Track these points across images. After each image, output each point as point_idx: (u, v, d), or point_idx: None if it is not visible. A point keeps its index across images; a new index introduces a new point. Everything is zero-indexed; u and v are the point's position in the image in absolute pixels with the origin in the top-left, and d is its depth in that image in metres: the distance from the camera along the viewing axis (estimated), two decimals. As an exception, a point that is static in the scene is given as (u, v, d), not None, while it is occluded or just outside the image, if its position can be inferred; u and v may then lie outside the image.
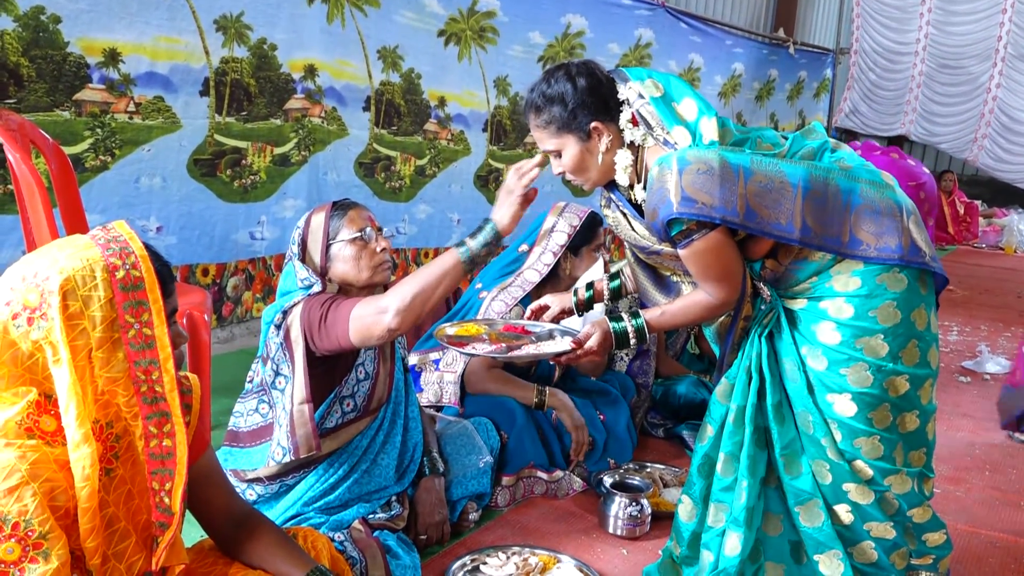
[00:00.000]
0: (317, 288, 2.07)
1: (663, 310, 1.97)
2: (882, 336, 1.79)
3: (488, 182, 5.39)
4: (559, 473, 2.66)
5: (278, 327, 2.07)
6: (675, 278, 2.03)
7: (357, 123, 4.46)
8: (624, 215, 1.96)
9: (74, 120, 3.20)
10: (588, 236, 2.87)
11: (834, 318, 1.82)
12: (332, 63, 4.24)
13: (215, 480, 1.70)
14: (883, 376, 1.80)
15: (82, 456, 1.32)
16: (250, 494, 2.09)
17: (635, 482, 2.59)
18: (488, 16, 5.16)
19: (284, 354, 2.05)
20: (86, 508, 1.33)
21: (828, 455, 1.85)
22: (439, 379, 2.80)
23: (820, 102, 10.27)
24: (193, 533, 1.70)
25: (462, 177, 5.20)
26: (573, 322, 2.74)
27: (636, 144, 1.85)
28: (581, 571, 2.17)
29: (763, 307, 1.92)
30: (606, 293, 2.25)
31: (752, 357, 1.91)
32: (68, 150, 3.02)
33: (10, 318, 1.33)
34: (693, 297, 1.91)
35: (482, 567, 2.16)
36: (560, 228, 2.86)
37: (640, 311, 1.98)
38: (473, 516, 2.39)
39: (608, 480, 2.57)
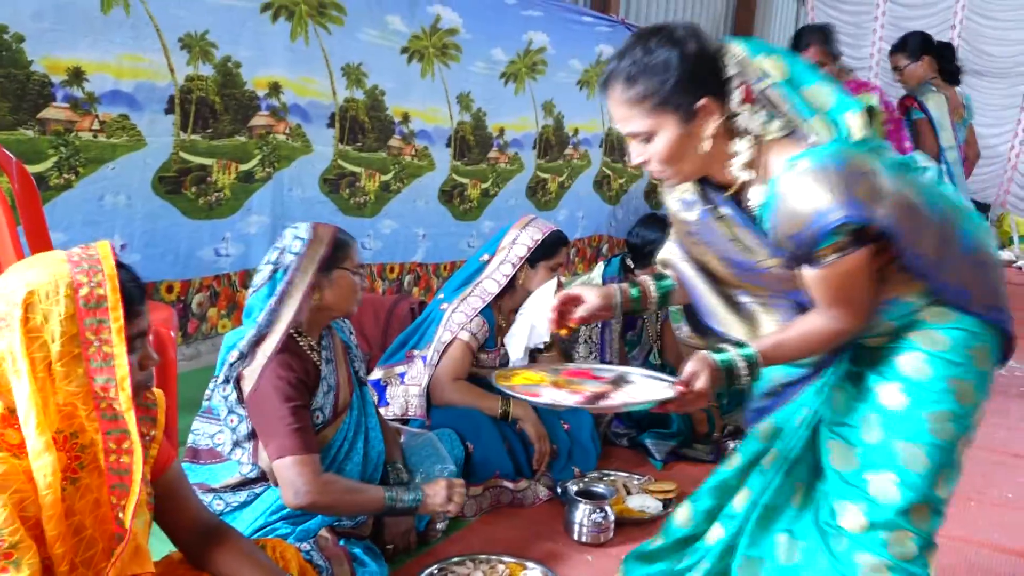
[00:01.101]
0: (264, 319, 2.11)
1: (777, 340, 1.60)
2: (974, 382, 1.57)
3: (452, 197, 5.44)
4: (525, 483, 2.72)
5: (232, 364, 2.11)
6: (748, 300, 1.72)
7: (321, 139, 4.49)
8: (721, 219, 1.61)
9: (38, 139, 3.20)
10: (549, 252, 2.93)
11: (926, 349, 1.57)
12: (296, 80, 4.27)
13: (182, 493, 1.72)
14: (962, 431, 1.57)
15: (43, 465, 1.36)
16: (218, 504, 2.11)
17: (599, 489, 2.65)
18: (450, 33, 5.22)
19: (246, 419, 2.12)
20: (50, 515, 1.37)
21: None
22: (404, 392, 2.84)
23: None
24: (163, 547, 1.72)
25: (427, 192, 5.25)
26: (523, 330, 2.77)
27: (753, 133, 1.51)
28: (546, 577, 2.22)
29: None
30: (653, 294, 1.85)
31: (811, 409, 1.70)
32: (32, 168, 3.02)
33: None
34: (814, 325, 1.56)
35: (450, 575, 2.20)
36: (521, 240, 2.92)
37: (747, 342, 1.60)
38: (440, 526, 2.43)
39: (573, 488, 2.62)
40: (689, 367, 1.56)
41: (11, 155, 2.63)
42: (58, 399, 1.39)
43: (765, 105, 1.52)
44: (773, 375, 1.75)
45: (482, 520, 2.60)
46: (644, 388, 1.69)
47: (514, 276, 2.90)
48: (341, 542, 2.06)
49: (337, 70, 4.52)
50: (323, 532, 2.06)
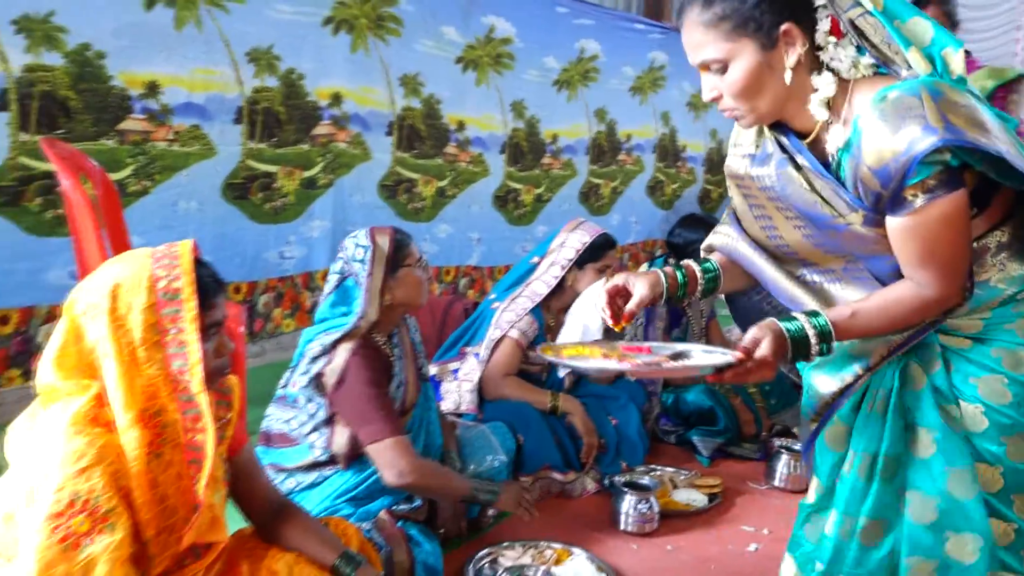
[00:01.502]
0: (352, 321, 2.25)
1: (854, 309, 1.43)
2: None
3: (506, 202, 5.57)
4: (573, 474, 2.82)
5: (315, 359, 2.26)
6: (812, 274, 1.56)
7: (380, 147, 4.66)
8: (798, 169, 1.46)
9: (118, 148, 3.42)
10: (596, 254, 3.03)
11: (1008, 372, 1.40)
12: (356, 90, 4.45)
13: (254, 473, 1.87)
14: None
15: (130, 440, 1.51)
16: (290, 482, 2.26)
17: (645, 482, 2.74)
18: (504, 43, 5.36)
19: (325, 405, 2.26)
20: (138, 485, 1.52)
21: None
22: (458, 387, 2.96)
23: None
24: (238, 520, 1.87)
25: (481, 197, 5.39)
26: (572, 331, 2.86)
27: (838, 70, 1.39)
28: (593, 563, 2.31)
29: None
30: (700, 279, 1.72)
31: (880, 392, 1.51)
32: (112, 176, 3.23)
33: (80, 315, 1.54)
34: (901, 292, 1.40)
35: (500, 559, 2.31)
36: (570, 243, 3.03)
37: (820, 310, 1.45)
38: (492, 513, 2.55)
39: (619, 480, 2.72)
40: (752, 332, 1.43)
41: (95, 163, 2.83)
42: (142, 381, 1.53)
43: (854, 39, 1.39)
44: (817, 391, 1.59)
45: (531, 509, 2.70)
46: (702, 359, 1.55)
47: (563, 277, 3.00)
48: (399, 524, 2.19)
49: (395, 80, 4.69)
50: (382, 514, 2.19)
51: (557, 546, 2.39)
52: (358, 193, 4.57)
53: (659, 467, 3.05)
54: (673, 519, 2.66)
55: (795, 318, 1.43)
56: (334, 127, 4.37)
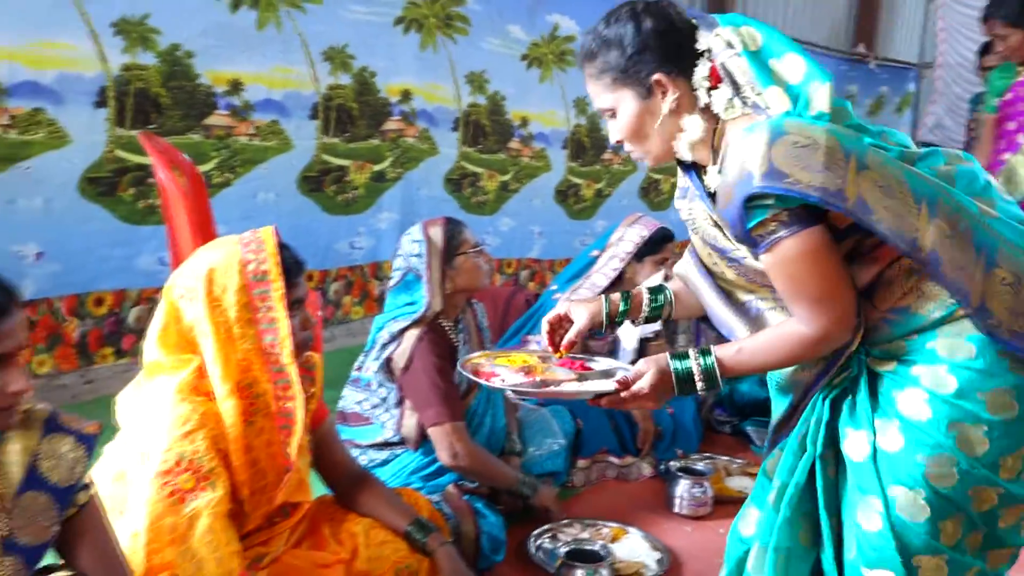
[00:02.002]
0: (419, 312, 2.41)
1: (740, 346, 1.48)
2: (985, 429, 1.34)
3: (567, 196, 5.69)
4: (630, 459, 2.93)
5: (384, 345, 2.42)
6: (757, 301, 1.57)
7: (446, 142, 4.82)
8: (703, 206, 1.53)
9: (203, 142, 3.64)
10: (654, 248, 3.12)
11: (928, 388, 1.37)
12: (424, 87, 4.62)
13: (334, 445, 2.03)
14: (971, 481, 1.36)
15: (227, 408, 1.67)
16: (363, 458, 2.42)
17: (700, 467, 2.83)
18: (568, 40, 5.47)
19: (395, 389, 2.41)
20: (234, 449, 1.68)
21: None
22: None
23: (903, 117, 10.24)
24: (319, 489, 2.03)
25: (543, 192, 5.52)
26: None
27: (713, 111, 1.44)
28: (647, 541, 2.43)
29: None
30: (645, 308, 1.76)
31: (811, 424, 1.51)
32: (198, 168, 3.44)
33: (178, 298, 1.71)
34: (783, 328, 1.43)
35: (559, 535, 2.44)
36: (629, 237, 3.13)
37: (713, 348, 1.49)
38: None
39: (674, 465, 2.82)
40: (639, 364, 1.52)
41: (186, 156, 3.04)
42: (237, 356, 1.70)
43: (727, 78, 1.43)
44: (777, 408, 1.61)
45: (589, 491, 2.82)
46: (597, 384, 1.59)
47: (622, 270, 3.10)
48: (464, 497, 2.33)
49: (461, 77, 4.84)
50: (450, 487, 2.34)
51: (613, 525, 2.50)
52: (425, 187, 4.74)
53: (713, 455, 3.13)
54: (726, 504, 2.74)
55: (687, 355, 1.49)
56: (403, 123, 4.54)
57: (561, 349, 1.70)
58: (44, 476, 1.38)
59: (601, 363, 1.76)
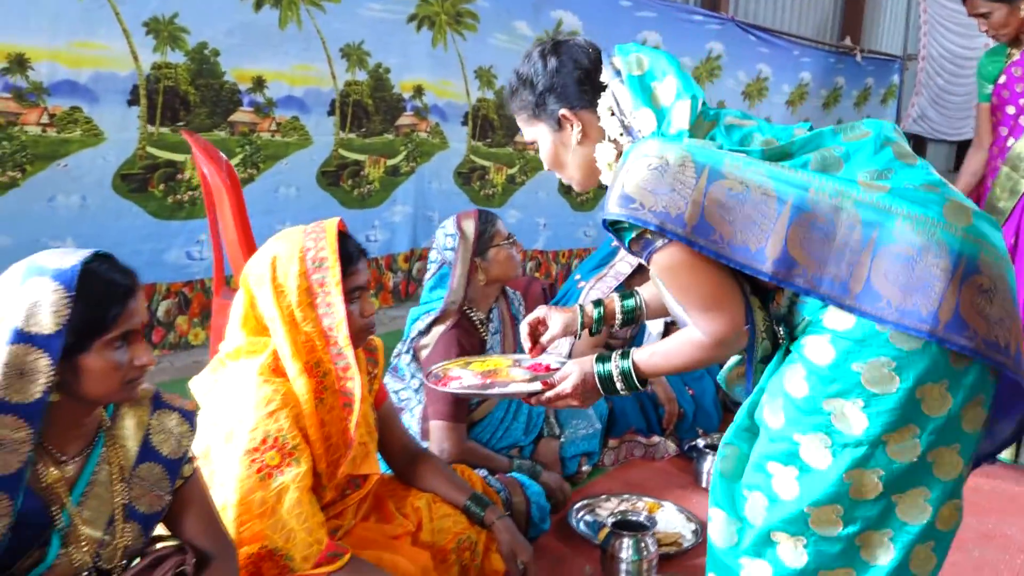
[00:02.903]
0: (443, 305, 2.51)
1: (653, 351, 1.56)
2: (862, 404, 1.30)
3: (571, 189, 5.79)
4: (656, 438, 3.06)
5: (415, 336, 2.54)
6: None
7: (457, 137, 4.93)
8: None
9: (229, 138, 3.73)
10: (677, 235, 3.24)
11: (808, 360, 1.36)
12: (436, 83, 4.72)
13: (394, 423, 2.13)
14: (846, 463, 1.32)
15: (300, 387, 1.77)
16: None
17: (724, 446, 2.97)
18: (571, 36, 5.57)
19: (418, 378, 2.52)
20: (310, 425, 1.78)
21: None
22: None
23: (887, 108, 10.44)
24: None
25: (548, 185, 5.64)
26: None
27: (612, 137, 1.52)
28: (682, 513, 2.55)
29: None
30: (618, 315, 1.86)
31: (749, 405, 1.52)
32: (226, 164, 3.53)
33: (252, 286, 1.80)
34: (686, 334, 1.49)
35: (597, 509, 2.56)
36: (654, 224, 3.24)
37: (632, 351, 1.58)
38: (585, 469, 2.80)
39: (701, 442, 2.95)
40: (564, 368, 1.64)
41: (222, 153, 3.13)
42: (301, 337, 1.79)
43: (615, 104, 1.50)
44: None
45: (619, 468, 2.95)
46: (527, 384, 1.76)
47: (645, 258, 3.22)
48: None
49: (470, 73, 4.94)
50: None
51: (648, 499, 2.63)
52: (436, 180, 4.84)
53: (733, 435, 3.27)
54: (750, 480, 2.87)
55: (610, 359, 1.59)
56: (416, 118, 4.64)
57: (537, 350, 1.88)
58: (156, 449, 1.48)
59: (567, 366, 1.75)
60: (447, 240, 2.57)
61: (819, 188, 1.32)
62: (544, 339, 1.87)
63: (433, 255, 2.61)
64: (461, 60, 4.86)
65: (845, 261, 1.30)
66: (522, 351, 2.72)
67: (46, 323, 1.25)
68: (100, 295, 1.31)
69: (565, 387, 1.62)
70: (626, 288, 3.24)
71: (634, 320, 1.87)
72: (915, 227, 1.28)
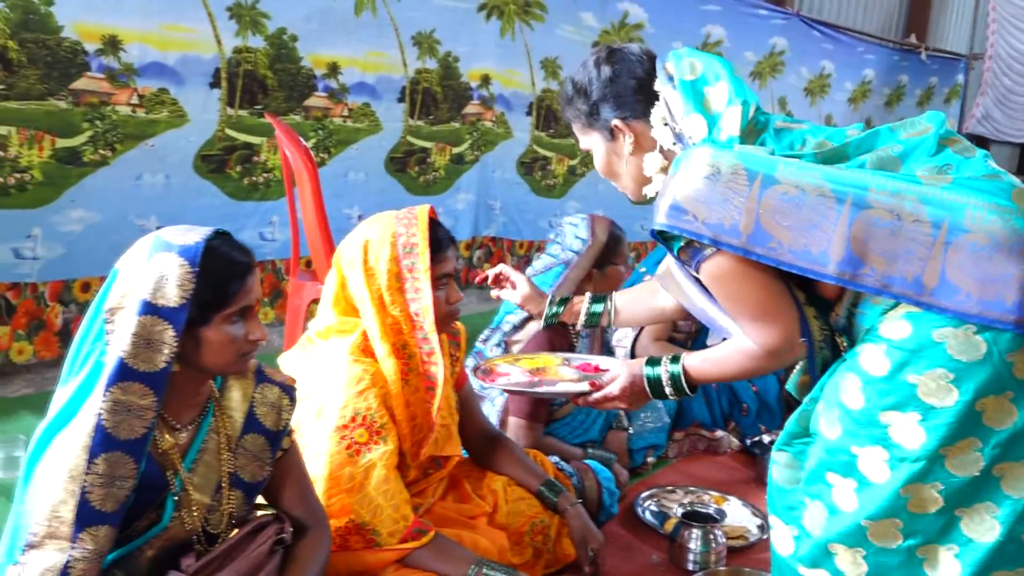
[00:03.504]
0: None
1: (704, 356, 1.57)
2: (919, 417, 1.27)
3: (630, 182, 5.82)
4: (720, 433, 3.07)
5: (509, 329, 2.57)
6: None
7: (520, 126, 4.96)
8: None
9: (303, 123, 3.80)
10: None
11: (863, 371, 1.33)
12: (503, 72, 4.76)
13: (472, 406, 2.17)
14: (904, 478, 1.29)
15: (387, 368, 1.82)
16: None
17: (788, 443, 2.97)
18: (636, 28, 5.58)
19: None
20: (397, 405, 1.83)
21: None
22: (611, 353, 3.24)
23: (951, 108, 10.23)
24: (456, 448, 2.18)
25: (608, 177, 5.65)
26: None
27: (664, 147, 1.52)
28: (747, 508, 2.57)
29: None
30: (582, 316, 1.96)
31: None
32: (300, 148, 3.61)
33: (344, 267, 1.86)
34: (738, 342, 1.47)
35: (663, 500, 2.59)
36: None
37: (683, 356, 1.59)
38: (651, 460, 2.83)
39: (767, 439, 2.95)
40: (612, 370, 1.65)
41: (300, 138, 3.20)
42: (389, 320, 1.83)
43: (667, 111, 1.49)
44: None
45: (682, 461, 2.96)
46: (577, 385, 1.79)
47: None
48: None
49: (536, 63, 4.97)
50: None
51: (714, 493, 2.65)
52: (499, 169, 4.89)
53: (795, 433, 3.27)
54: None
55: (659, 362, 1.59)
56: (482, 107, 4.68)
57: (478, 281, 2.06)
58: (260, 420, 1.54)
59: (614, 366, 1.79)
60: (575, 241, 2.56)
61: (879, 186, 1.29)
62: (505, 295, 2.03)
63: (554, 249, 2.59)
64: (528, 50, 4.88)
65: (916, 256, 1.26)
66: (610, 351, 2.78)
67: (172, 296, 1.31)
68: (221, 271, 1.37)
69: (613, 389, 1.64)
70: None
71: (596, 324, 1.95)
72: (987, 215, 1.24)
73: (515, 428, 2.46)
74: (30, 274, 3.00)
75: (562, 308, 1.97)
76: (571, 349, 2.56)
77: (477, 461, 2.16)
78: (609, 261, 2.58)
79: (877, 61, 8.69)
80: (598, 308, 1.93)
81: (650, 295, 1.93)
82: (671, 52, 1.51)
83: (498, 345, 2.57)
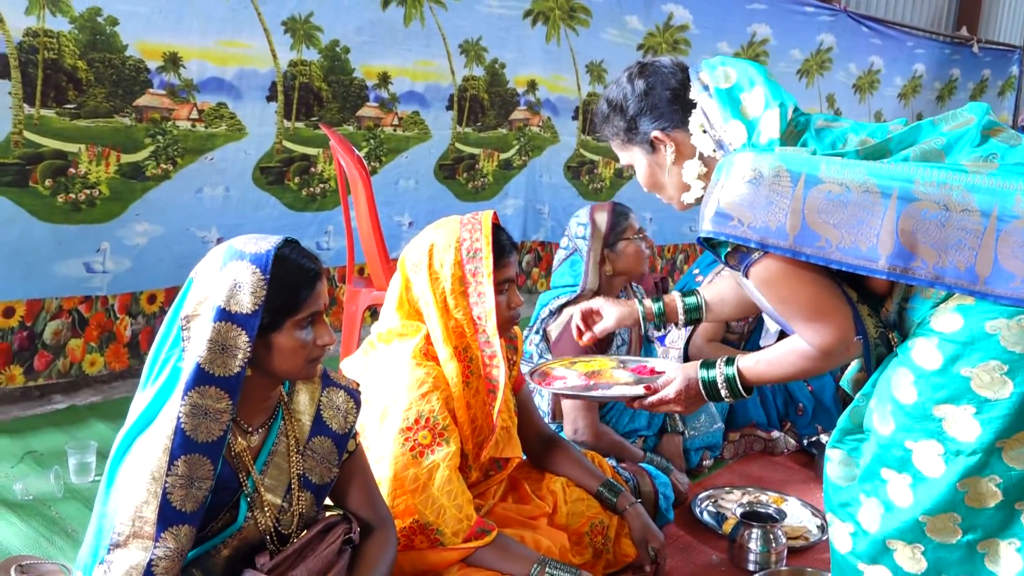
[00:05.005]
0: (577, 292, 2.56)
1: (759, 358, 1.57)
2: (973, 410, 1.27)
3: (678, 183, 5.80)
4: (776, 433, 3.05)
5: (545, 318, 2.61)
6: None
7: (567, 131, 4.98)
8: None
9: (356, 132, 3.87)
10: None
11: (915, 364, 1.33)
12: (549, 78, 4.79)
13: (529, 407, 2.20)
14: (959, 471, 1.29)
15: (450, 370, 1.85)
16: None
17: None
18: (681, 29, 5.56)
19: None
20: (458, 407, 1.86)
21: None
22: (665, 353, 3.24)
23: (1005, 101, 10.00)
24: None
25: (655, 179, 5.64)
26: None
27: (704, 154, 1.52)
28: (807, 508, 2.55)
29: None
30: (680, 314, 1.95)
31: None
32: (353, 158, 3.67)
33: (409, 271, 1.89)
34: (792, 343, 1.48)
35: (720, 500, 2.58)
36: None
37: (737, 358, 1.60)
38: (707, 463, 2.82)
39: (824, 439, 2.93)
40: (667, 373, 1.66)
41: (353, 147, 3.26)
42: (452, 323, 1.87)
43: (705, 120, 1.50)
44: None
45: (739, 462, 2.96)
46: (631, 388, 1.79)
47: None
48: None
49: (582, 67, 4.99)
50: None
51: (772, 493, 2.64)
52: (547, 174, 4.91)
53: (853, 433, 3.23)
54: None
55: (715, 365, 1.60)
56: (529, 112, 4.71)
57: (587, 340, 2.01)
58: (327, 424, 1.59)
59: (670, 368, 1.81)
60: (579, 229, 2.62)
61: (924, 177, 1.29)
62: (597, 329, 1.98)
63: (564, 242, 2.67)
64: (573, 55, 4.91)
65: (967, 246, 1.26)
66: (649, 343, 2.79)
67: (245, 303, 1.36)
68: (292, 278, 1.42)
69: (668, 392, 1.65)
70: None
71: (699, 319, 1.94)
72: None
73: (571, 411, 2.48)
74: (100, 287, 3.11)
75: (663, 307, 1.97)
76: (605, 336, 2.58)
77: (535, 463, 2.19)
78: (618, 239, 2.61)
79: (927, 55, 8.53)
80: (692, 302, 1.94)
81: (735, 288, 1.92)
82: (703, 61, 1.54)
83: (537, 332, 2.60)
